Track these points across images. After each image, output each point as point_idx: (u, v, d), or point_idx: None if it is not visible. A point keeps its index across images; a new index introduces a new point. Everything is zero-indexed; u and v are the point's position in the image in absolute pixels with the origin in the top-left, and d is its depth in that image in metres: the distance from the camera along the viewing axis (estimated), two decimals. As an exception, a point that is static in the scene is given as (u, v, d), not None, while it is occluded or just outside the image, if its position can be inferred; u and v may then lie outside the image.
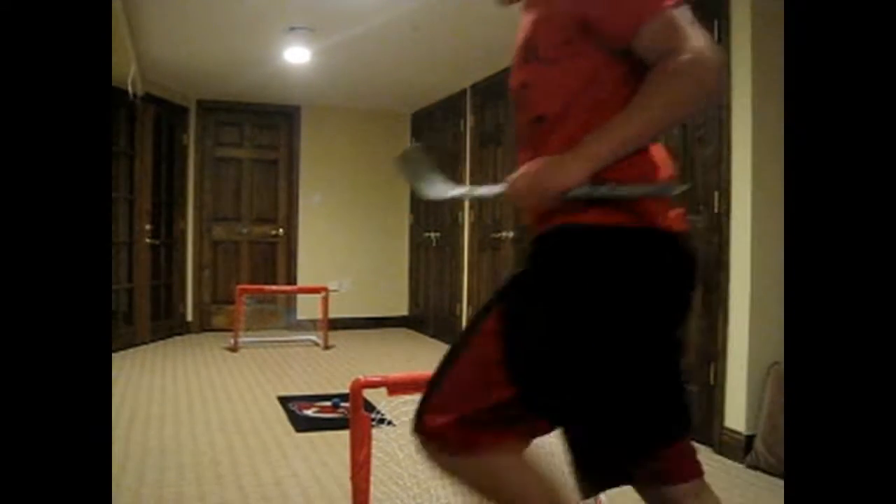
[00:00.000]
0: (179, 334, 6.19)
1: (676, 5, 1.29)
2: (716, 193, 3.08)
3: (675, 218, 1.27)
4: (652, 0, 1.25)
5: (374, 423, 1.98)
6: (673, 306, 1.28)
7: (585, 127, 1.22)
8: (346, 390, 2.13)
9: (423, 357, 5.42)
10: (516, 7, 1.56)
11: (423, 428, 1.27)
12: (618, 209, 1.21)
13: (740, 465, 2.86)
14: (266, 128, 6.64)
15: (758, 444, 2.82)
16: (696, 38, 1.28)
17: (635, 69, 1.23)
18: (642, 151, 1.24)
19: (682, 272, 1.27)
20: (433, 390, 1.28)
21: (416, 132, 6.92)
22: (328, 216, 6.73)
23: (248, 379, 4.49)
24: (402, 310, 7.02)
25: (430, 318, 6.49)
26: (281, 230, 6.64)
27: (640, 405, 1.26)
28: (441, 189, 1.55)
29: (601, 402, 1.23)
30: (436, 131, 6.43)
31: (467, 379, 1.24)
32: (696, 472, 1.40)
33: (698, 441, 3.12)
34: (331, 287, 5.99)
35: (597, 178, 1.19)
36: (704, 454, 3.00)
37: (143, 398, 3.88)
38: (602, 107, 1.23)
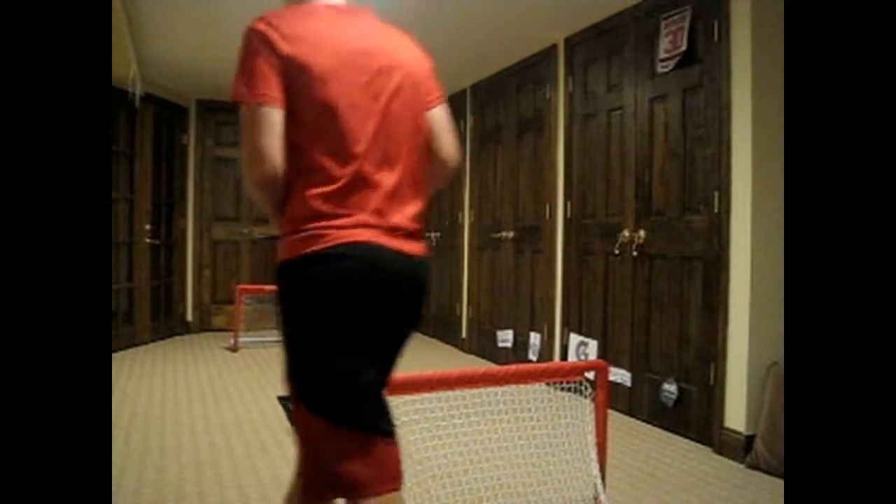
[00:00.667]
0: (179, 334, 6.19)
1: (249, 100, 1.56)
2: (716, 193, 3.08)
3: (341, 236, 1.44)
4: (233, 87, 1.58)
5: (374, 423, 1.97)
6: (340, 312, 1.43)
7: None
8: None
9: (423, 357, 5.42)
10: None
11: None
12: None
13: (740, 465, 2.86)
14: (266, 128, 6.63)
15: (758, 444, 2.82)
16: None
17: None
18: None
19: (344, 280, 1.42)
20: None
21: (416, 132, 6.90)
22: (328, 216, 6.72)
23: (248, 379, 4.49)
24: (402, 310, 7.01)
25: (430, 318, 6.48)
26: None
27: (343, 399, 1.44)
28: None
29: (321, 395, 1.43)
30: (436, 131, 6.42)
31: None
32: (392, 487, 1.54)
33: (698, 441, 3.14)
34: (331, 287, 5.98)
35: None
36: (704, 454, 3.01)
37: (143, 398, 3.88)
38: None
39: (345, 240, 1.42)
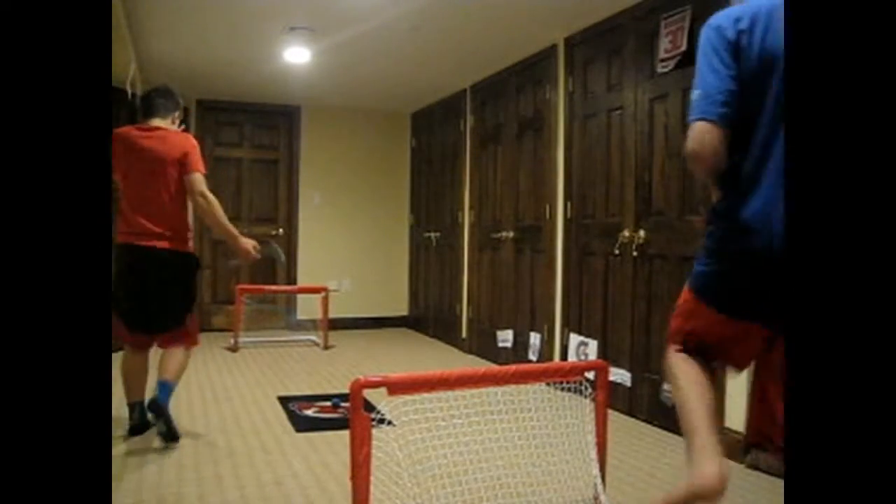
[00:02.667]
0: (179, 334, 6.18)
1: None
2: (716, 193, 3.08)
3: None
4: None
5: (374, 423, 1.98)
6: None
7: None
8: (346, 390, 2.13)
9: (423, 357, 5.42)
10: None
11: None
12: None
13: (740, 465, 2.86)
14: (266, 128, 6.64)
15: (758, 444, 2.82)
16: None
17: None
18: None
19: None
20: None
21: (416, 132, 6.92)
22: (328, 216, 6.73)
23: (248, 379, 4.49)
24: (402, 310, 7.02)
25: (430, 318, 6.49)
26: (281, 230, 6.64)
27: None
28: None
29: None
30: (436, 131, 6.43)
31: None
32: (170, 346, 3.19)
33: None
34: (331, 287, 6.00)
35: None
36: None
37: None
38: None
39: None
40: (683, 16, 3.24)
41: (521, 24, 4.03)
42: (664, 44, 3.35)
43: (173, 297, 3.11)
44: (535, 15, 3.88)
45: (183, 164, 3.07)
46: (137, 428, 3.13)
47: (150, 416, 3.01)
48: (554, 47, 4.36)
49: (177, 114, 3.27)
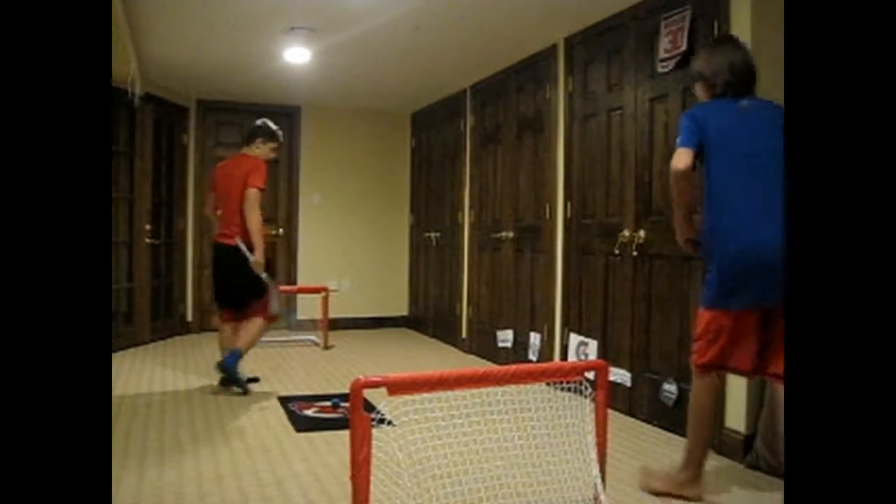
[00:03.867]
0: (179, 334, 6.19)
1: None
2: (716, 193, 3.08)
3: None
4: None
5: (374, 423, 1.98)
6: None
7: None
8: (346, 390, 2.13)
9: (423, 357, 5.42)
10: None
11: None
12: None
13: (740, 465, 2.86)
14: (266, 128, 6.63)
15: (758, 444, 2.82)
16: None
17: None
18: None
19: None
20: None
21: (416, 132, 6.92)
22: (328, 216, 6.73)
23: (247, 378, 4.48)
24: (402, 310, 7.02)
25: (430, 318, 6.49)
26: (281, 230, 6.64)
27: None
28: None
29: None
30: (436, 131, 6.43)
31: None
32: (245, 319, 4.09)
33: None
34: (331, 287, 5.99)
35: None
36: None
37: (143, 398, 3.88)
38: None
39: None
40: (683, 16, 3.24)
41: (521, 24, 4.03)
42: (664, 44, 3.35)
43: (237, 280, 4.07)
44: (535, 15, 3.88)
45: (245, 182, 3.99)
46: (225, 381, 4.06)
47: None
48: (554, 47, 4.36)
49: (259, 140, 4.21)
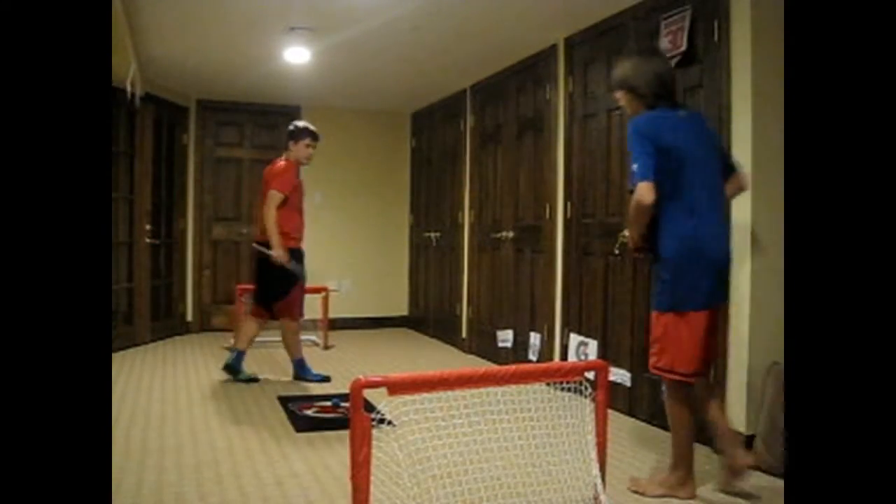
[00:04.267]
0: (179, 334, 6.19)
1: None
2: (716, 193, 3.08)
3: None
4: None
5: (374, 423, 1.98)
6: None
7: None
8: (346, 390, 2.13)
9: (423, 357, 5.42)
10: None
11: None
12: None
13: (740, 465, 2.86)
14: (266, 128, 6.64)
15: (758, 444, 2.82)
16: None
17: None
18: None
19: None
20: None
21: (416, 132, 6.92)
22: (328, 216, 6.73)
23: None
24: (402, 310, 7.02)
25: (430, 318, 6.49)
26: (281, 230, 6.64)
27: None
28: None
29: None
30: (436, 131, 6.43)
31: None
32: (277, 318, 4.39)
33: (698, 441, 3.13)
34: (331, 287, 5.99)
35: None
36: (704, 454, 3.01)
37: (143, 398, 3.88)
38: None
39: None
40: (683, 16, 3.24)
41: (521, 24, 4.03)
42: (664, 44, 3.35)
43: (258, 279, 4.42)
44: (535, 15, 3.87)
45: (269, 185, 4.22)
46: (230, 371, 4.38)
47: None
48: (554, 47, 4.35)
49: (290, 142, 4.36)
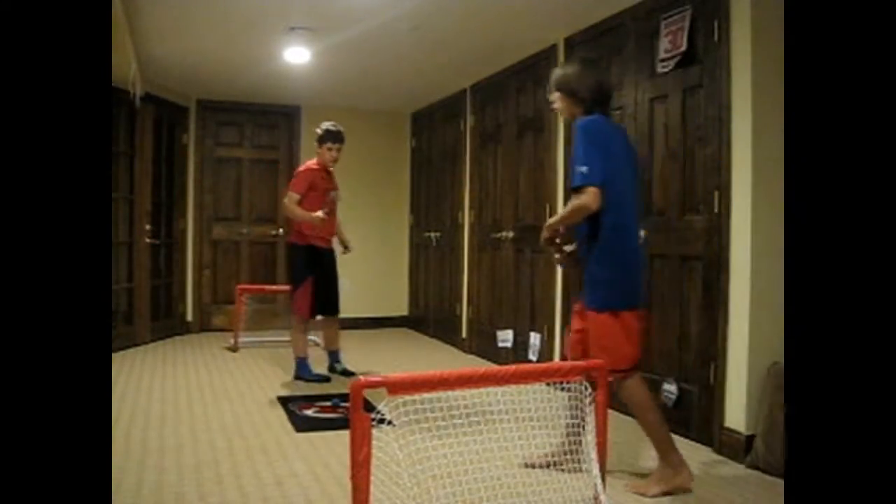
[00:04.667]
0: (179, 334, 6.19)
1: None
2: (716, 193, 3.08)
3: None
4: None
5: (374, 423, 1.98)
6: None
7: None
8: (346, 390, 2.13)
9: (423, 357, 5.42)
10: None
11: None
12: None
13: (740, 465, 2.86)
14: (266, 128, 6.64)
15: (758, 444, 2.82)
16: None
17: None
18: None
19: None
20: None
21: (416, 132, 6.92)
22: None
23: (248, 379, 4.49)
24: (402, 310, 7.02)
25: (430, 318, 6.48)
26: (281, 230, 6.64)
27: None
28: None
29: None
30: (436, 131, 6.43)
31: None
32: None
33: (698, 441, 3.14)
34: (331, 287, 5.98)
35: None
36: (704, 454, 3.01)
37: (143, 398, 3.88)
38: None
39: None
40: (683, 16, 3.24)
41: (521, 24, 4.03)
42: (664, 44, 3.35)
43: (287, 271, 4.93)
44: (535, 15, 3.87)
45: (289, 185, 4.51)
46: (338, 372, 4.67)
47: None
48: (554, 47, 4.35)
49: (317, 146, 4.43)
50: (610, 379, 2.44)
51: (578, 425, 2.47)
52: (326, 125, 4.41)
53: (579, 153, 2.49)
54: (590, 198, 2.45)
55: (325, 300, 4.48)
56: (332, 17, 3.98)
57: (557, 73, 2.75)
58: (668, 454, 2.55)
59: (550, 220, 2.72)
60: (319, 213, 4.21)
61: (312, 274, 4.36)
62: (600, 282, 2.57)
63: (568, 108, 2.69)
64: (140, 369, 4.68)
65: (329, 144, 4.35)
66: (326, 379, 4.43)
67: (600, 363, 2.42)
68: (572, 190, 2.52)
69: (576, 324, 2.74)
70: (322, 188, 4.35)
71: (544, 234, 2.71)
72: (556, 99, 2.72)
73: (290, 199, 4.32)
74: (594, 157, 2.46)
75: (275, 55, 4.77)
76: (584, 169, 2.46)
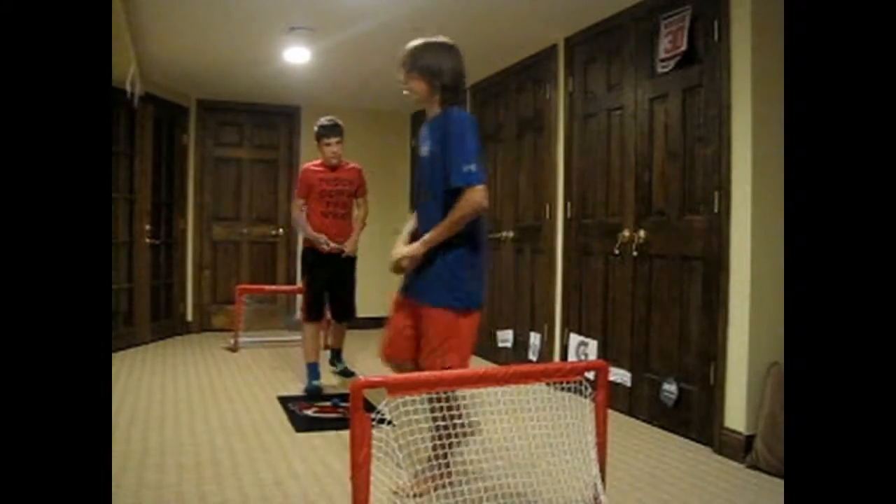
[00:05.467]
0: (179, 334, 6.19)
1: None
2: (716, 193, 3.08)
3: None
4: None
5: (374, 423, 1.98)
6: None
7: None
8: (346, 390, 2.13)
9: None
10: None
11: None
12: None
13: (740, 465, 2.86)
14: (266, 128, 6.64)
15: (758, 444, 2.82)
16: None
17: None
18: None
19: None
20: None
21: (416, 132, 6.91)
22: (328, 216, 6.72)
23: (248, 379, 4.49)
24: (402, 310, 7.01)
25: (430, 318, 6.47)
26: (281, 230, 6.64)
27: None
28: None
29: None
30: (436, 131, 6.42)
31: None
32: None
33: (698, 441, 3.14)
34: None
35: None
36: (704, 454, 3.01)
37: (143, 398, 3.88)
38: None
39: None
40: (683, 16, 3.24)
41: (521, 24, 4.03)
42: (664, 44, 3.35)
43: None
44: (535, 15, 3.87)
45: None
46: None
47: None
48: (554, 47, 4.35)
49: (316, 143, 4.26)
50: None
51: (448, 435, 2.28)
52: (321, 120, 4.24)
53: (469, 148, 2.34)
54: (483, 196, 2.35)
55: (334, 306, 4.38)
56: (332, 17, 3.98)
57: (417, 49, 2.47)
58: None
59: (431, 235, 2.42)
60: (321, 237, 4.14)
61: (308, 275, 4.29)
62: (457, 280, 2.41)
63: (425, 93, 2.46)
64: (140, 369, 4.68)
65: (326, 140, 4.15)
66: (318, 390, 4.08)
67: (601, 363, 2.42)
68: (451, 191, 2.35)
69: (403, 320, 2.55)
70: (320, 188, 4.21)
71: (420, 250, 2.44)
72: (414, 79, 2.46)
73: (295, 206, 4.31)
74: (478, 154, 2.35)
75: (275, 55, 4.77)
76: (472, 167, 2.32)
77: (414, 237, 2.55)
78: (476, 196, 2.34)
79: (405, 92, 2.53)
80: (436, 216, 2.43)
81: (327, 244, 4.15)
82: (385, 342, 2.65)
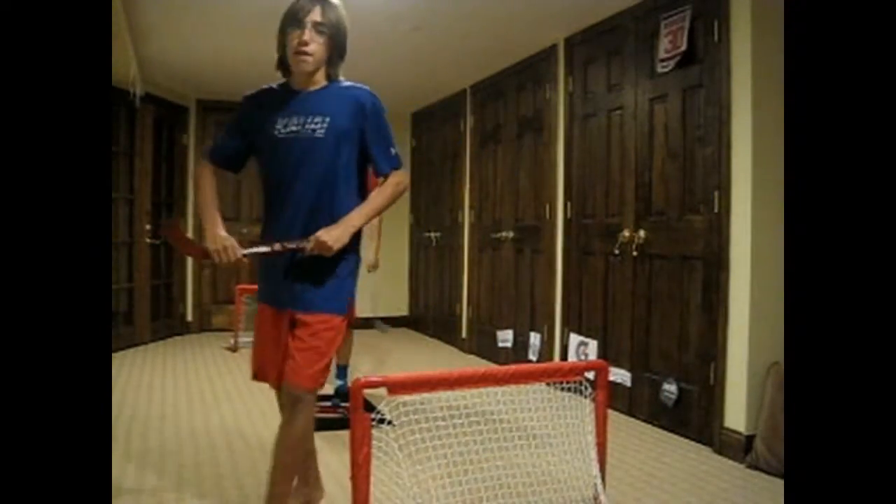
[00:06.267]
0: (179, 334, 6.19)
1: None
2: (716, 193, 3.08)
3: None
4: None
5: (374, 423, 1.98)
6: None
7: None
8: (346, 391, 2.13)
9: (423, 357, 5.42)
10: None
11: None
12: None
13: (740, 465, 2.86)
14: (266, 128, 6.64)
15: (758, 444, 2.82)
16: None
17: None
18: None
19: None
20: None
21: (416, 132, 6.92)
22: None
23: (248, 379, 4.48)
24: (403, 310, 7.02)
25: (430, 318, 6.48)
26: (281, 230, 6.64)
27: None
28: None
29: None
30: (436, 131, 6.43)
31: None
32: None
33: (698, 441, 3.14)
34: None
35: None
36: (704, 454, 3.01)
37: (143, 398, 3.88)
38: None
39: None
40: (683, 16, 3.24)
41: (521, 24, 4.03)
42: (664, 44, 3.35)
43: None
44: (535, 15, 3.87)
45: None
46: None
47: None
48: (554, 47, 4.36)
49: None
50: (300, 392, 2.04)
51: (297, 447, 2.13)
52: None
53: (390, 132, 2.12)
54: (407, 178, 2.14)
55: None
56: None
57: (339, 14, 2.11)
58: (306, 474, 2.38)
59: (355, 218, 2.04)
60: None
61: None
62: (345, 282, 2.13)
63: (325, 61, 2.11)
64: (140, 369, 4.68)
65: None
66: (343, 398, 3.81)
67: (601, 363, 2.42)
68: (384, 176, 2.11)
69: (274, 333, 2.16)
70: None
71: (346, 236, 2.01)
72: (322, 43, 2.08)
73: None
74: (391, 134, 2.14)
75: (275, 55, 4.76)
76: (392, 150, 2.10)
77: (273, 236, 2.12)
78: (401, 176, 2.11)
79: (302, 57, 2.11)
80: (321, 202, 2.06)
81: None
82: (269, 363, 2.26)
